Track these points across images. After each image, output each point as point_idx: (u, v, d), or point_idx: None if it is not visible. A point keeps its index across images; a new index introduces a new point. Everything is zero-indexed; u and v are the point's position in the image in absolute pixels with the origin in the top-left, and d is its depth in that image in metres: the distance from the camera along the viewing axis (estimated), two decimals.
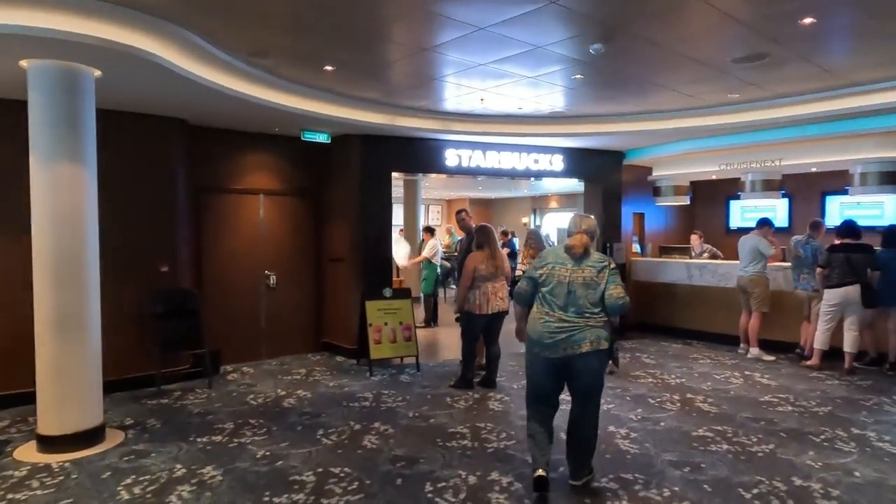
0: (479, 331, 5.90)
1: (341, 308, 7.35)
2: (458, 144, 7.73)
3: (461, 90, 5.99)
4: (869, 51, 4.76)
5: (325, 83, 5.75)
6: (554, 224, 17.65)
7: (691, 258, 8.91)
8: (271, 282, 7.30)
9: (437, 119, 7.08)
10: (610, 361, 3.60)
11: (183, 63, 4.45)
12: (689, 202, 9.11)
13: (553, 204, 18.85)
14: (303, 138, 6.87)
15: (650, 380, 6.30)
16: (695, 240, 9.24)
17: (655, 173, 9.08)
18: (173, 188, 6.19)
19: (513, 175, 8.25)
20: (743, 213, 10.03)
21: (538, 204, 19.24)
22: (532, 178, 8.79)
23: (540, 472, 3.48)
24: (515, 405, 5.33)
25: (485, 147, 7.89)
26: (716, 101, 6.49)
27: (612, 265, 3.55)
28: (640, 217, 9.63)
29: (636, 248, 9.47)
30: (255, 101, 5.47)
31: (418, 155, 7.55)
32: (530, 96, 6.25)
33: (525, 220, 19.57)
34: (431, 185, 16.17)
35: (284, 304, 7.40)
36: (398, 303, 6.81)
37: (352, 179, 7.33)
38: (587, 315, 3.40)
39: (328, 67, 5.16)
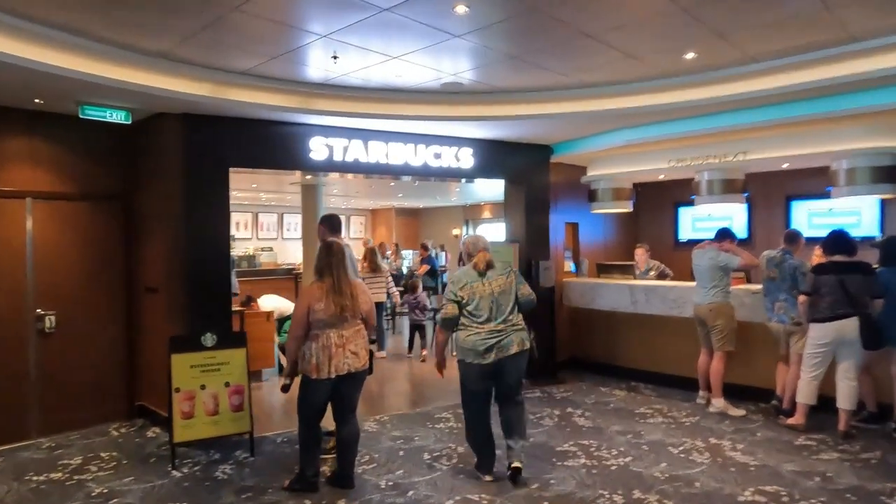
0: (322, 403, 3.86)
1: (158, 358, 5.15)
2: (329, 131, 5.72)
3: (329, 48, 4.05)
4: None
5: (106, 30, 3.70)
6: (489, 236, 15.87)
7: (635, 278, 7.17)
8: (48, 324, 5.06)
9: (291, 92, 5.05)
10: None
11: None
12: (631, 209, 7.40)
13: (486, 214, 17.07)
14: (81, 116, 4.68)
15: (582, 460, 4.41)
16: (640, 255, 7.52)
17: (591, 173, 7.32)
18: None
19: (406, 173, 6.28)
20: (694, 222, 8.43)
21: (471, 214, 17.40)
22: (433, 179, 6.87)
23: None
24: None
25: (366, 135, 5.90)
26: (665, 69, 4.74)
27: (514, 268, 4.29)
28: (574, 228, 7.85)
29: (569, 266, 7.67)
30: None
31: (270, 144, 5.48)
32: (425, 60, 4.34)
33: (456, 231, 17.70)
34: (356, 192, 14.06)
35: (69, 356, 5.16)
36: (225, 354, 4.69)
37: (170, 177, 5.20)
38: (510, 320, 3.94)
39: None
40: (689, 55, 4.36)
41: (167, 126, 5.14)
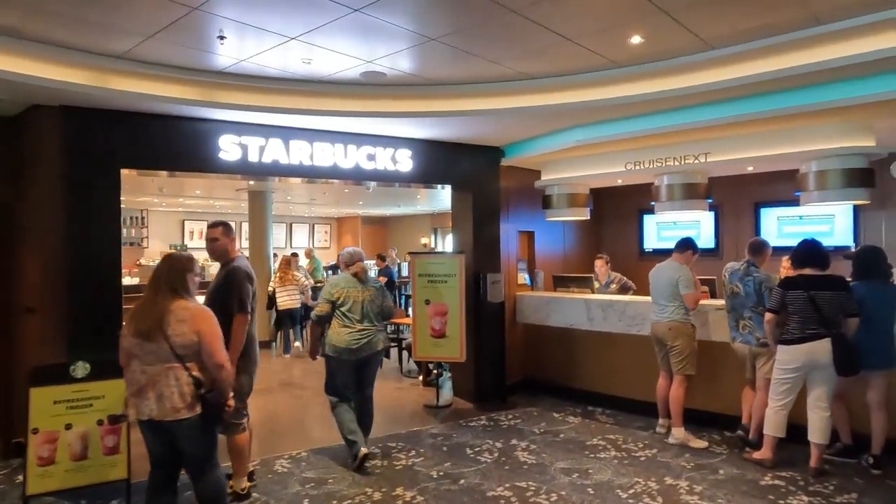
0: (154, 452, 3.09)
1: None
2: (243, 128, 5.06)
3: (209, 25, 3.40)
4: None
5: None
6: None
7: (593, 291, 6.58)
8: None
9: (189, 83, 4.39)
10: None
11: None
12: (588, 216, 6.82)
13: None
14: None
15: None
16: (599, 266, 6.95)
17: (545, 177, 6.74)
18: None
19: (335, 177, 5.62)
20: (660, 230, 7.89)
21: (439, 222, 16.79)
22: (372, 184, 6.23)
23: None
24: None
25: (286, 133, 5.25)
26: (612, 58, 4.16)
27: (382, 282, 5.19)
28: (529, 237, 7.26)
29: (524, 278, 7.07)
30: None
31: (171, 143, 4.81)
32: (329, 42, 3.71)
33: (425, 240, 17.09)
34: (312, 200, 13.35)
35: None
36: (100, 387, 3.96)
37: (47, 181, 4.50)
38: (376, 323, 4.64)
39: None
40: (635, 39, 3.79)
41: (44, 121, 4.45)
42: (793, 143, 4.94)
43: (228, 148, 5.00)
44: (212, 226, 3.97)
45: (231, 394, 3.06)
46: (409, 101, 4.85)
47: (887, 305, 4.32)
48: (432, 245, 16.83)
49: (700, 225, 7.54)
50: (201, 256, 13.77)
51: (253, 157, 5.10)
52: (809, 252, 4.33)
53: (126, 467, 3.93)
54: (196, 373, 2.94)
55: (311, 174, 5.46)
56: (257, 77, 4.51)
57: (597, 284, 6.88)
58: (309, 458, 4.71)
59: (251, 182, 9.35)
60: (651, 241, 7.99)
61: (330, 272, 11.33)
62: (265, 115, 4.84)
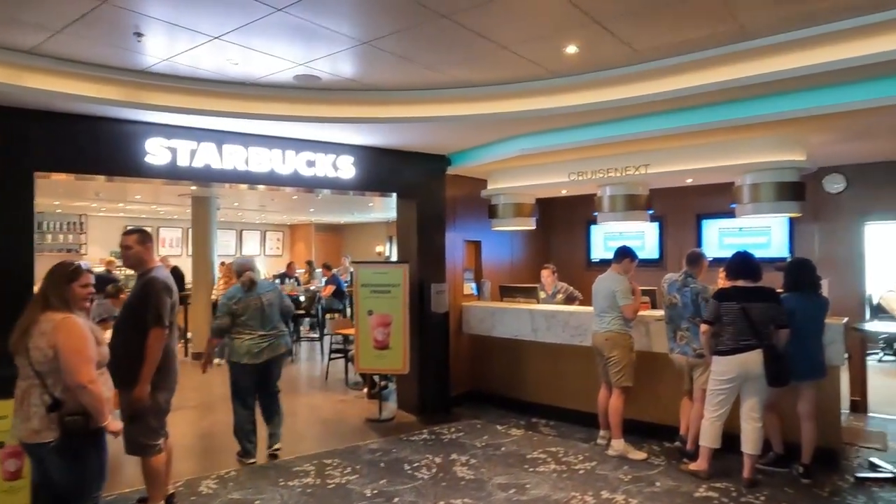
0: (36, 476, 2.90)
1: None
2: (172, 131, 4.82)
3: (122, 20, 3.19)
4: None
5: None
6: None
7: (539, 301, 6.56)
8: None
9: (111, 82, 4.14)
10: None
11: None
12: (534, 226, 6.80)
13: None
14: None
15: None
16: (546, 276, 6.93)
17: (491, 187, 6.69)
18: None
19: (272, 183, 5.43)
20: (606, 240, 7.94)
21: (394, 230, 16.55)
22: (319, 192, 6.06)
23: (277, 446, 4.91)
24: None
25: (220, 137, 5.04)
26: (549, 67, 4.13)
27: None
28: (476, 246, 7.20)
29: (470, 288, 6.99)
30: None
31: (92, 145, 4.53)
32: (254, 42, 3.55)
33: (380, 248, 16.89)
34: (261, 206, 13.00)
35: None
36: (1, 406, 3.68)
37: None
38: (277, 328, 4.88)
39: None
40: (571, 48, 3.76)
41: None
42: (728, 157, 5.01)
43: (156, 151, 4.75)
44: (126, 233, 3.74)
45: (109, 418, 2.82)
46: (346, 107, 4.71)
47: (816, 316, 4.41)
48: (387, 253, 16.65)
49: (644, 236, 7.62)
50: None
51: (183, 162, 4.86)
52: (742, 264, 4.39)
53: (29, 494, 3.63)
54: (59, 392, 2.67)
55: (246, 180, 5.25)
56: (187, 78, 4.30)
57: (543, 294, 6.86)
58: (238, 478, 4.49)
59: (193, 187, 9.03)
60: (598, 252, 8.04)
61: (278, 281, 11.02)
62: (196, 117, 4.62)
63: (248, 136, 5.17)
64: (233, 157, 5.10)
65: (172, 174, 4.86)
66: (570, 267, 7.82)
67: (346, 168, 5.75)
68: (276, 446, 4.92)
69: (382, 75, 4.33)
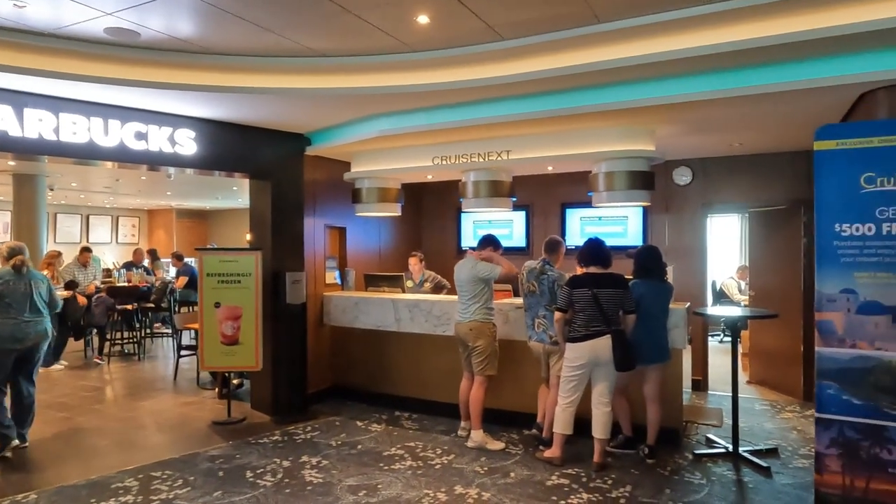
0: None
1: None
2: None
3: None
4: None
5: None
6: None
7: (404, 291, 6.33)
8: None
9: None
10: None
11: None
12: (399, 212, 6.54)
13: None
14: None
15: None
16: (414, 264, 6.71)
17: (354, 170, 6.33)
18: None
19: (94, 157, 4.65)
20: (476, 228, 7.89)
21: None
22: (173, 171, 5.36)
23: (16, 442, 4.69)
24: None
25: (20, 100, 4.22)
26: (404, 39, 3.85)
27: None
28: (340, 233, 6.81)
29: (334, 277, 6.60)
30: None
31: None
32: None
33: (249, 236, 15.85)
34: (105, 189, 11.58)
35: None
36: None
37: None
38: (40, 312, 4.81)
39: None
40: (422, 18, 3.50)
41: None
42: (585, 145, 5.05)
43: None
44: None
45: None
46: (175, 71, 4.13)
47: (662, 302, 4.56)
48: None
49: (513, 224, 7.65)
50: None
51: None
52: (593, 251, 4.42)
53: None
54: None
55: (57, 152, 4.45)
56: None
57: (410, 283, 6.65)
58: (47, 499, 3.80)
59: (11, 162, 7.78)
60: (468, 240, 7.96)
61: (124, 270, 9.89)
62: None
63: (58, 101, 4.40)
64: (38, 125, 4.31)
65: None
66: (441, 255, 7.67)
67: (187, 143, 5.11)
68: (23, 444, 4.78)
69: (217, 37, 3.81)
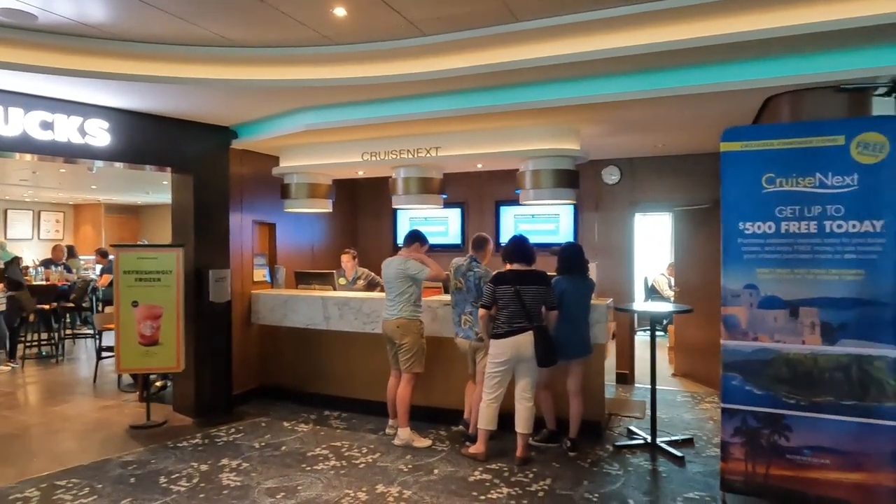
0: None
1: None
2: None
3: None
4: None
5: None
6: None
7: (335, 288, 6.23)
8: None
9: None
10: None
11: None
12: (330, 209, 6.43)
13: None
14: None
15: None
16: (346, 261, 6.61)
17: (283, 164, 6.18)
18: None
19: None
20: (413, 225, 7.85)
21: None
22: (96, 164, 5.05)
23: None
24: None
25: None
26: (322, 31, 3.77)
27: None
28: (270, 230, 6.64)
29: (263, 274, 6.43)
30: None
31: None
32: None
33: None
34: (22, 181, 10.89)
35: None
36: None
37: None
38: None
39: None
40: (339, 10, 3.43)
41: None
42: (512, 143, 5.10)
43: None
44: None
45: None
46: (78, 58, 3.91)
47: (584, 298, 4.65)
48: None
49: (448, 222, 7.66)
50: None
51: None
52: (517, 248, 4.46)
53: None
54: None
55: None
56: None
57: (343, 281, 6.55)
58: None
59: None
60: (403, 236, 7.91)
61: (41, 268, 9.35)
62: None
63: None
64: None
65: None
66: (376, 252, 7.58)
67: (99, 134, 4.85)
68: None
69: (127, 24, 3.63)
